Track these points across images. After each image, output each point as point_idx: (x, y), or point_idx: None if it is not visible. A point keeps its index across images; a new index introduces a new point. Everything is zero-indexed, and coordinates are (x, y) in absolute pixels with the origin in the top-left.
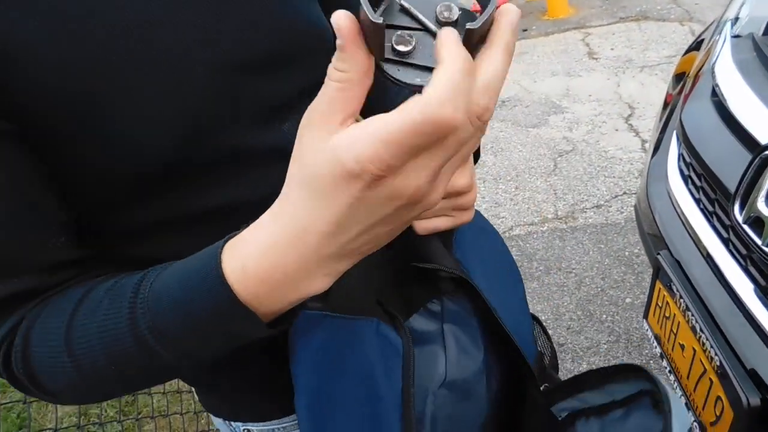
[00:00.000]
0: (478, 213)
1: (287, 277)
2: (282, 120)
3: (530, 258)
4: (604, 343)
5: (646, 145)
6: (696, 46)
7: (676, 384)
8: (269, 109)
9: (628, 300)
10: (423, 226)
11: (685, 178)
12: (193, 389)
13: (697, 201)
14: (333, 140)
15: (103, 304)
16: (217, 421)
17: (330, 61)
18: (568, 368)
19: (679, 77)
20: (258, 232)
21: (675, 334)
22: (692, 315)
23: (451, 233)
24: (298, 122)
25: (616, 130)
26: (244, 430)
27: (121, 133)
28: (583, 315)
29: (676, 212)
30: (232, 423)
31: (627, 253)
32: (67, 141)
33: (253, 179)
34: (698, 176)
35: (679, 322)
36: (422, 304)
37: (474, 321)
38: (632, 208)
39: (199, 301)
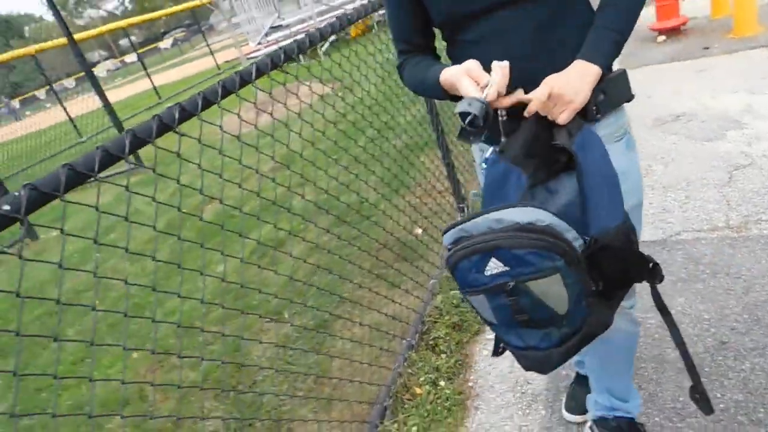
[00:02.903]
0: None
1: None
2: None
3: (696, 261)
4: None
5: None
6: None
7: None
8: (485, 7)
9: None
10: (562, 118)
11: None
12: None
13: None
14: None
15: (419, 65)
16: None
17: None
18: (729, 365)
19: None
20: None
21: None
22: None
23: (572, 133)
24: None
25: None
26: None
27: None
28: (749, 318)
29: None
30: None
31: None
32: None
33: (489, 25)
34: None
35: None
36: (555, 175)
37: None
38: None
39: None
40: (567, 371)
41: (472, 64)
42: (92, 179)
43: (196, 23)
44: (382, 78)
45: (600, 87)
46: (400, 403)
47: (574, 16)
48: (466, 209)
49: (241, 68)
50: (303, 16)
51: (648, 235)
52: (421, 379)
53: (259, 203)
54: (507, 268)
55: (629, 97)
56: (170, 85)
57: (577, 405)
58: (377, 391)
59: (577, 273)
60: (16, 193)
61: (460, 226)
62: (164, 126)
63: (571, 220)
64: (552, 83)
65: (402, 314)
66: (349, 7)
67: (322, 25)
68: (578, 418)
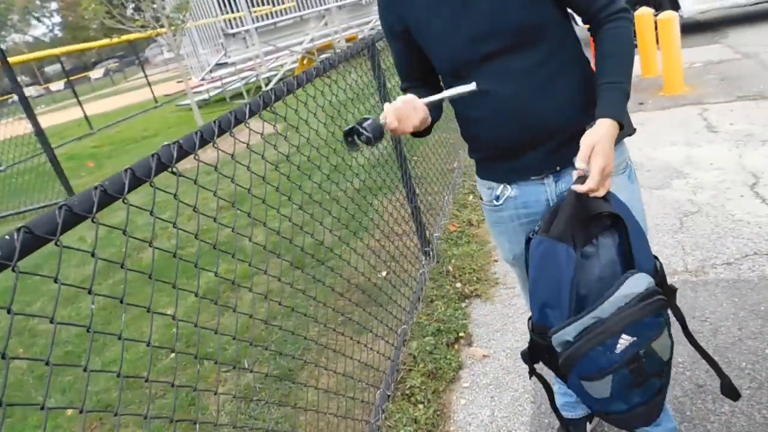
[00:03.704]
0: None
1: None
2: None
3: None
4: (746, 389)
5: None
6: None
7: None
8: (484, 55)
9: None
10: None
11: None
12: None
13: None
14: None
15: None
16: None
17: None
18: (709, 408)
19: None
20: None
21: None
22: None
23: (607, 198)
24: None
25: (742, 196)
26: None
27: (429, 50)
28: (721, 360)
29: None
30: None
31: (763, 308)
32: (422, 46)
33: (487, 70)
34: None
35: None
36: (590, 240)
37: (614, 249)
38: (765, 268)
39: None
40: (548, 419)
41: (389, 107)
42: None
43: (134, 54)
44: (332, 117)
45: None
46: None
47: (565, 54)
48: (431, 252)
49: (186, 101)
50: (249, 54)
51: None
52: (401, 431)
53: (213, 243)
54: (635, 338)
55: (631, 132)
56: (101, 116)
57: None
58: None
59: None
60: None
61: (589, 315)
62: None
63: (616, 276)
64: (601, 162)
65: (374, 362)
66: (297, 48)
67: (270, 65)
68: None
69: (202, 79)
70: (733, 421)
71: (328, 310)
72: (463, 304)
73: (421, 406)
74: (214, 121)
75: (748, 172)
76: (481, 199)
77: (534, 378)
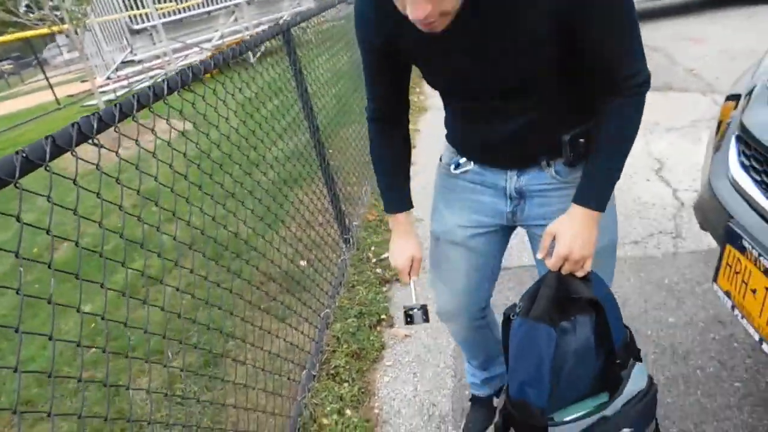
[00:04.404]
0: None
1: None
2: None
3: None
4: (651, 354)
5: (678, 194)
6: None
7: (749, 326)
8: (483, 97)
9: (671, 320)
10: (581, 273)
11: (746, 168)
12: None
13: (759, 183)
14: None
15: (385, 158)
16: None
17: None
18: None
19: (731, 97)
20: None
21: (746, 284)
22: (765, 259)
23: (588, 280)
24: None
25: (648, 180)
26: None
27: (423, 72)
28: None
29: (739, 194)
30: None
31: (667, 281)
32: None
33: (479, 107)
34: (760, 163)
35: (750, 271)
36: (568, 317)
37: (589, 328)
38: (669, 246)
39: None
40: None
41: (402, 266)
42: None
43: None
44: (244, 121)
45: (579, 133)
46: None
47: (559, 103)
48: (351, 240)
49: (92, 101)
50: (157, 52)
51: (526, 259)
52: (327, 409)
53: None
54: (632, 429)
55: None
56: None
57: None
58: (282, 425)
59: None
60: None
61: (598, 415)
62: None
63: (592, 354)
64: (568, 250)
65: (299, 342)
66: (207, 45)
67: (179, 63)
68: None
69: (108, 78)
70: None
71: (252, 296)
72: (384, 289)
73: (346, 384)
74: (115, 105)
75: (654, 158)
76: (441, 160)
77: (454, 353)
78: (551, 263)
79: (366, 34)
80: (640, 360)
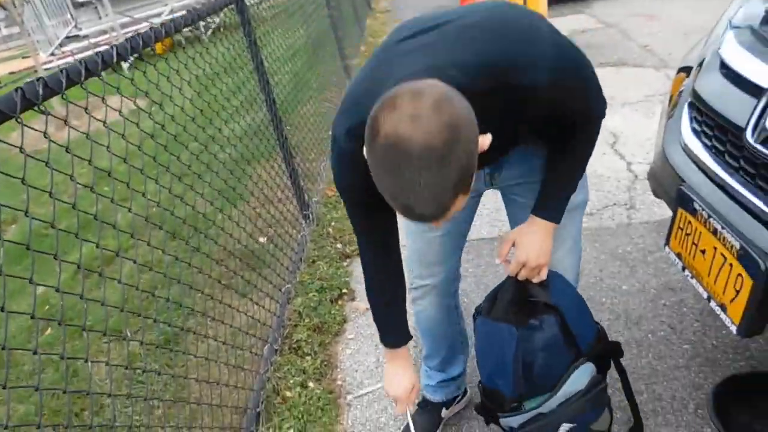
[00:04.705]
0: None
1: None
2: None
3: None
4: (605, 321)
5: (632, 167)
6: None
7: (699, 286)
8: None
9: (624, 287)
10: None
11: (698, 134)
12: None
13: (709, 147)
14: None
15: (384, 307)
16: None
17: None
18: None
19: (683, 69)
20: None
21: (696, 245)
22: (714, 220)
23: (545, 285)
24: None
25: (603, 154)
26: None
27: None
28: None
29: (691, 159)
30: None
31: (620, 251)
32: None
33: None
34: (710, 128)
35: (700, 233)
36: (534, 315)
37: (556, 326)
38: (623, 217)
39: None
40: None
41: (401, 398)
42: None
43: None
44: (198, 92)
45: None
46: (273, 407)
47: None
48: (310, 216)
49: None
50: (104, 26)
51: (485, 232)
52: (290, 382)
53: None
54: (574, 425)
55: None
56: None
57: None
58: (246, 398)
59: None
60: None
61: (536, 411)
62: None
63: (563, 349)
64: (526, 257)
65: (261, 317)
66: (156, 20)
67: (126, 37)
68: None
69: (52, 54)
70: None
71: (213, 272)
72: (345, 263)
73: (308, 357)
74: (62, 70)
75: (609, 132)
76: None
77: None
78: (510, 269)
79: (351, 195)
80: (621, 354)
